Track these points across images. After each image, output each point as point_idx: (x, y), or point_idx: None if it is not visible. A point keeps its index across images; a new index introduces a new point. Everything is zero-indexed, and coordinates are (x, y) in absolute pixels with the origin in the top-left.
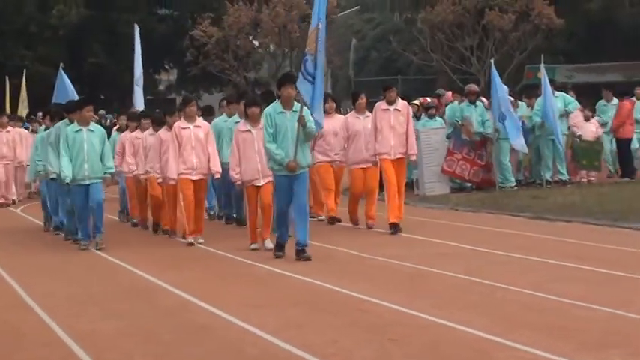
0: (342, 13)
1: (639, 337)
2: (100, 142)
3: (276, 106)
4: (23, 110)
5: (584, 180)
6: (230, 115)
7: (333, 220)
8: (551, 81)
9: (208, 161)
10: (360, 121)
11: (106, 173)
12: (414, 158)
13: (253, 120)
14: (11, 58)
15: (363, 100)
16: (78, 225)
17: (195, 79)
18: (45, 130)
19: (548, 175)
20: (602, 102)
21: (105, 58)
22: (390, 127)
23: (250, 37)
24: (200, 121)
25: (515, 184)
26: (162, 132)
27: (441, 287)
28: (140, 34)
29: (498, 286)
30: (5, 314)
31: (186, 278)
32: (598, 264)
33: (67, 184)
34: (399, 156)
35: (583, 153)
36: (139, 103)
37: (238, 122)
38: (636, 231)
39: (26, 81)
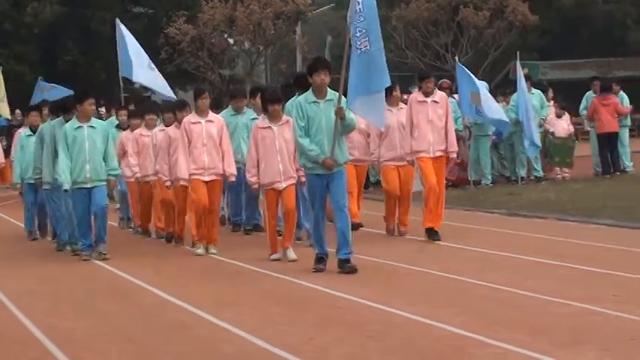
0: (318, 10)
1: (613, 332)
2: (102, 139)
3: (307, 95)
4: (4, 109)
5: (559, 176)
6: (237, 110)
7: (355, 226)
8: (527, 77)
9: (222, 160)
10: (393, 114)
11: (110, 175)
12: (454, 156)
13: (274, 117)
14: None
15: (396, 92)
16: (77, 233)
17: (170, 77)
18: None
19: (523, 172)
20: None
21: (79, 55)
22: (427, 122)
23: (225, 35)
24: (213, 115)
25: (490, 181)
26: (172, 129)
27: (418, 284)
28: (115, 32)
29: (474, 283)
30: None
31: (163, 277)
32: (573, 260)
33: (66, 190)
34: (438, 153)
35: (556, 149)
36: (164, 90)
37: (255, 119)
38: (610, 227)
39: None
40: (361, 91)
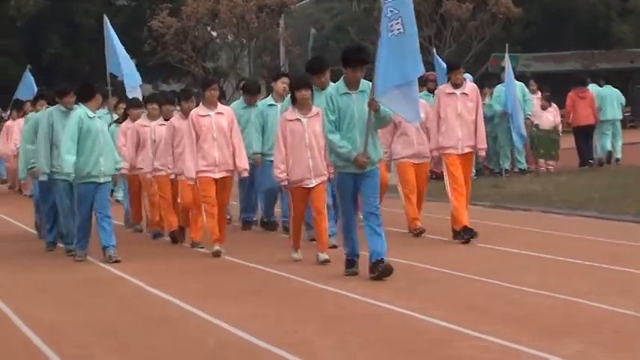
0: (300, 3)
1: (596, 324)
2: (108, 130)
3: (338, 86)
4: None
5: (543, 169)
6: (250, 104)
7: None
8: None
9: (233, 155)
10: None
11: (115, 169)
12: (483, 154)
13: (303, 106)
14: None
15: None
16: (77, 232)
17: (153, 70)
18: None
19: (506, 164)
20: None
21: (63, 49)
22: (456, 115)
23: (208, 28)
24: (222, 107)
25: (474, 173)
26: (176, 119)
27: (401, 276)
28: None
29: (457, 275)
30: None
31: (146, 269)
32: (556, 252)
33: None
34: (466, 150)
35: (541, 142)
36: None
37: (272, 105)
38: (595, 219)
39: None
40: (393, 80)
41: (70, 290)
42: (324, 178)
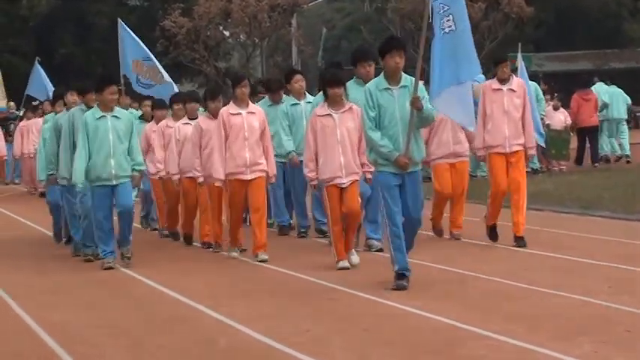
0: (313, 3)
1: (610, 324)
2: (127, 131)
3: (378, 81)
4: (2, 100)
5: (556, 168)
6: (275, 101)
7: None
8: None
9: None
10: None
11: (135, 170)
12: (532, 152)
13: (335, 102)
14: None
15: None
16: (98, 238)
17: (165, 70)
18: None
19: None
20: None
21: (75, 48)
22: (503, 112)
23: (221, 27)
24: (253, 106)
25: (486, 173)
26: (203, 120)
27: (414, 276)
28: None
29: (470, 275)
30: None
31: (157, 269)
32: (569, 252)
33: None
34: (515, 148)
35: (552, 142)
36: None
37: (296, 104)
38: (606, 219)
39: None
40: (447, 81)
41: (82, 291)
42: (357, 177)
